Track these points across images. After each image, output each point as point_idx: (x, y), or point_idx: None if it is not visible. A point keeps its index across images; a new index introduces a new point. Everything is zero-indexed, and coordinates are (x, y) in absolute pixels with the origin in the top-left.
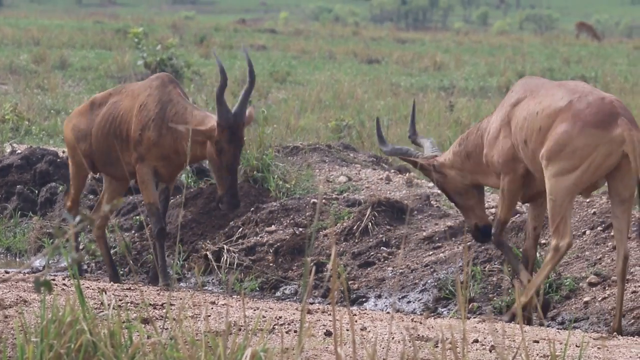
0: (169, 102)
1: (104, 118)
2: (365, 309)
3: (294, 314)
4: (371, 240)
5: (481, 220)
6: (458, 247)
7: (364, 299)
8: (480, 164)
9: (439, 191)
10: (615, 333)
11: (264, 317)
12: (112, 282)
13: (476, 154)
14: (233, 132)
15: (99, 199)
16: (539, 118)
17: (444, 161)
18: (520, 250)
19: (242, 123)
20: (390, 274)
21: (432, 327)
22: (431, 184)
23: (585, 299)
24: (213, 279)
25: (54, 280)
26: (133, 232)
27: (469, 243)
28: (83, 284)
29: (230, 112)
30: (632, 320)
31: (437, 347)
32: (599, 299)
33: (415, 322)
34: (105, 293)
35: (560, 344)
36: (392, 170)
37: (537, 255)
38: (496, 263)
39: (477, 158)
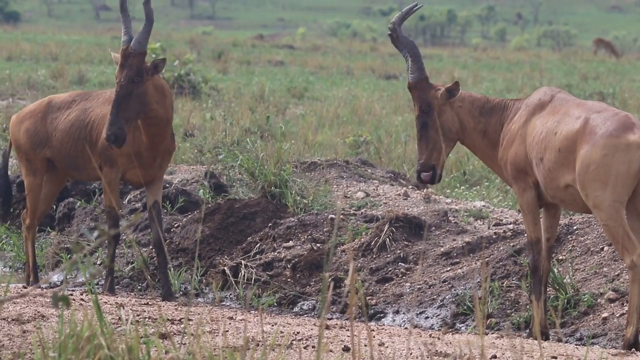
0: None
1: (73, 124)
2: (383, 325)
3: (311, 329)
4: (389, 255)
5: (440, 167)
6: (476, 263)
7: (382, 315)
8: (492, 148)
9: (456, 207)
10: (633, 349)
11: (281, 332)
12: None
13: (491, 140)
14: (124, 57)
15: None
16: (557, 139)
17: (456, 103)
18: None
19: (138, 51)
20: (408, 290)
21: (450, 343)
22: (449, 200)
23: (604, 315)
24: (231, 295)
25: (71, 295)
26: (151, 247)
27: (486, 259)
28: (101, 299)
29: (130, 34)
30: None
31: None
32: (617, 315)
33: (433, 337)
34: (123, 308)
35: None
36: (410, 186)
37: (556, 271)
38: (514, 279)
39: (491, 141)
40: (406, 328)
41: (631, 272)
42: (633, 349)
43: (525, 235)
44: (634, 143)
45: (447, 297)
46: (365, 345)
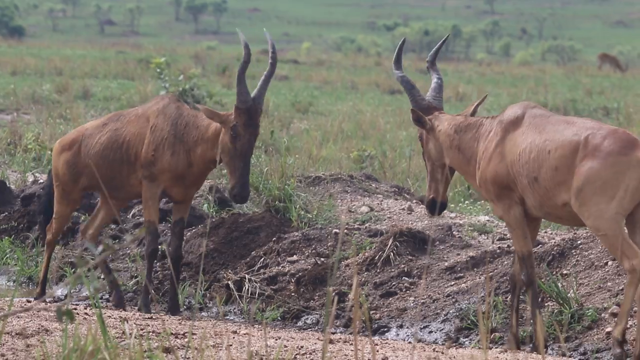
0: (179, 117)
1: (106, 146)
2: (387, 339)
3: (315, 343)
4: (393, 270)
5: (439, 196)
6: (480, 278)
7: (385, 329)
8: (468, 164)
9: (460, 221)
10: None
11: (285, 346)
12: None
13: (466, 156)
14: (250, 116)
15: (95, 211)
16: (552, 157)
17: (436, 127)
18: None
19: (260, 108)
20: (412, 304)
21: (454, 358)
22: (453, 215)
23: (608, 329)
24: (235, 309)
25: (75, 309)
26: (155, 262)
27: (490, 273)
28: (105, 313)
29: (249, 94)
30: None
31: None
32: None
33: (437, 352)
34: (127, 322)
35: None
36: (414, 201)
37: (560, 286)
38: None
39: (465, 157)
40: (410, 342)
41: (630, 275)
42: None
43: (516, 250)
44: None
45: (451, 311)
46: None
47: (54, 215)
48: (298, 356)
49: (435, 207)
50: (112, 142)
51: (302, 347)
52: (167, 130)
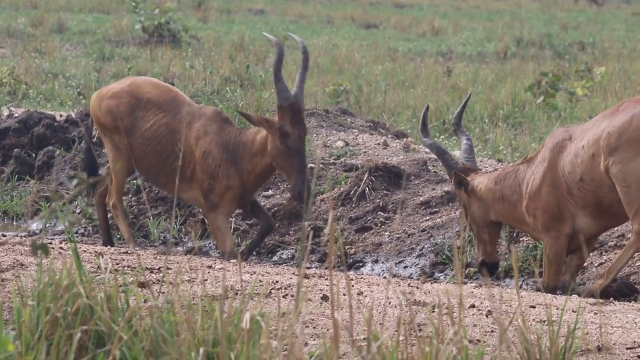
0: (228, 141)
1: (159, 141)
2: (362, 274)
3: (290, 278)
4: (368, 205)
5: (489, 257)
6: (455, 213)
7: (361, 264)
8: (514, 210)
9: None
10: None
11: (260, 281)
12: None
13: (511, 202)
14: (295, 113)
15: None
16: (586, 148)
17: (476, 187)
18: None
19: (302, 104)
20: (387, 239)
21: (429, 292)
22: (428, 150)
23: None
24: (210, 243)
25: (50, 243)
26: (130, 196)
27: None
28: (80, 248)
29: (290, 91)
30: None
31: (433, 312)
32: (596, 264)
33: (412, 287)
34: (102, 257)
35: (557, 309)
36: (390, 136)
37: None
38: None
39: (511, 204)
40: (385, 277)
41: (635, 236)
42: (611, 298)
43: (543, 280)
44: None
45: (426, 246)
46: (344, 295)
47: (110, 169)
48: (273, 291)
49: (487, 268)
50: (168, 142)
51: (277, 281)
52: (219, 156)
